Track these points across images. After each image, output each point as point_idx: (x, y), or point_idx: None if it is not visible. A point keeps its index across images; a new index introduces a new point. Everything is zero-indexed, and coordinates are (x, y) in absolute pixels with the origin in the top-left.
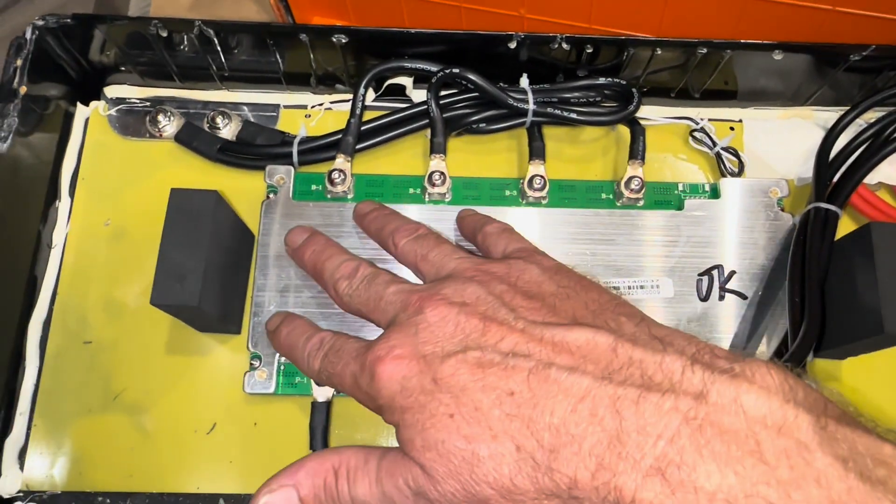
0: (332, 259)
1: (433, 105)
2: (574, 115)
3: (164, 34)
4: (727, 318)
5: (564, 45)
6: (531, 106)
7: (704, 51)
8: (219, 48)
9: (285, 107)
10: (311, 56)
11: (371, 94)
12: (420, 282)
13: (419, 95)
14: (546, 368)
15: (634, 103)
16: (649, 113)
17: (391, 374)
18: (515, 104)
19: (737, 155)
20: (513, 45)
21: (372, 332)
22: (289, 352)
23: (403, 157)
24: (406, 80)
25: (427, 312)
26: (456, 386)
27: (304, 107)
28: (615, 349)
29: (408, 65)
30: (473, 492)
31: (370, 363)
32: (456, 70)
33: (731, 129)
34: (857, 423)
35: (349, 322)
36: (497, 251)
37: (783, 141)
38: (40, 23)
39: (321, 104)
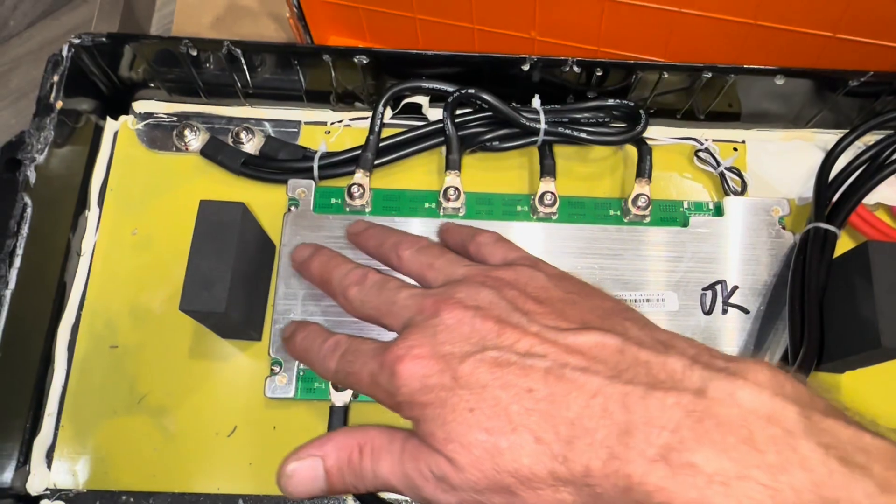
0: (340, 267)
1: (449, 123)
2: (584, 135)
3: (194, 53)
4: (730, 331)
5: (575, 68)
6: (542, 125)
7: (709, 75)
8: (244, 66)
9: (306, 123)
10: (333, 75)
11: (388, 112)
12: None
13: (434, 114)
14: (561, 368)
15: (642, 124)
16: (656, 133)
17: (411, 372)
18: (527, 123)
19: (740, 175)
20: (526, 67)
21: (385, 337)
22: (304, 355)
23: (419, 173)
24: (422, 99)
25: (443, 315)
26: (476, 383)
27: (324, 123)
28: (622, 351)
29: (425, 85)
30: (495, 480)
31: (390, 362)
32: (471, 91)
33: (735, 149)
34: (841, 415)
35: (366, 330)
36: (496, 259)
37: (785, 161)
38: (76, 41)
39: (340, 121)
